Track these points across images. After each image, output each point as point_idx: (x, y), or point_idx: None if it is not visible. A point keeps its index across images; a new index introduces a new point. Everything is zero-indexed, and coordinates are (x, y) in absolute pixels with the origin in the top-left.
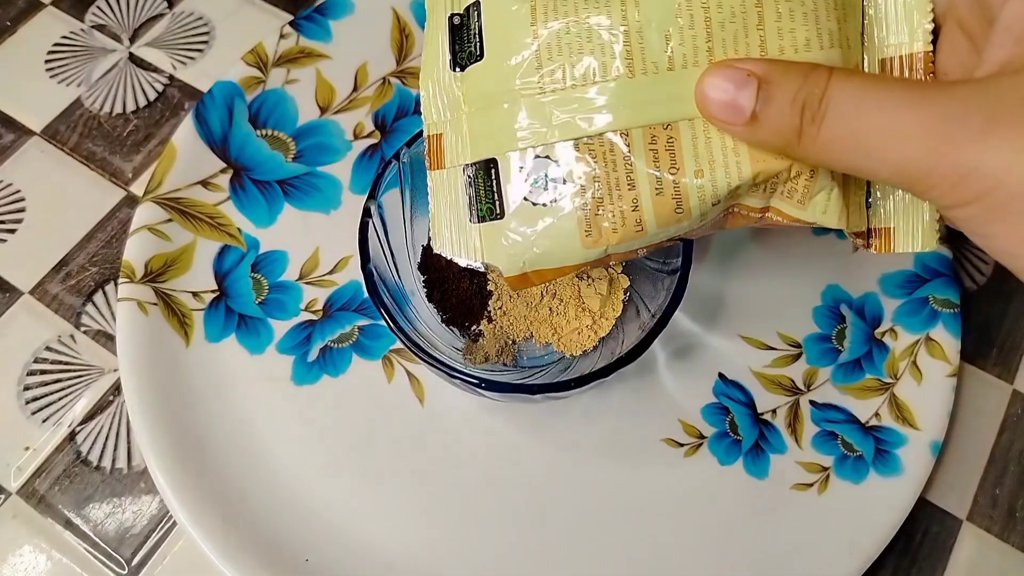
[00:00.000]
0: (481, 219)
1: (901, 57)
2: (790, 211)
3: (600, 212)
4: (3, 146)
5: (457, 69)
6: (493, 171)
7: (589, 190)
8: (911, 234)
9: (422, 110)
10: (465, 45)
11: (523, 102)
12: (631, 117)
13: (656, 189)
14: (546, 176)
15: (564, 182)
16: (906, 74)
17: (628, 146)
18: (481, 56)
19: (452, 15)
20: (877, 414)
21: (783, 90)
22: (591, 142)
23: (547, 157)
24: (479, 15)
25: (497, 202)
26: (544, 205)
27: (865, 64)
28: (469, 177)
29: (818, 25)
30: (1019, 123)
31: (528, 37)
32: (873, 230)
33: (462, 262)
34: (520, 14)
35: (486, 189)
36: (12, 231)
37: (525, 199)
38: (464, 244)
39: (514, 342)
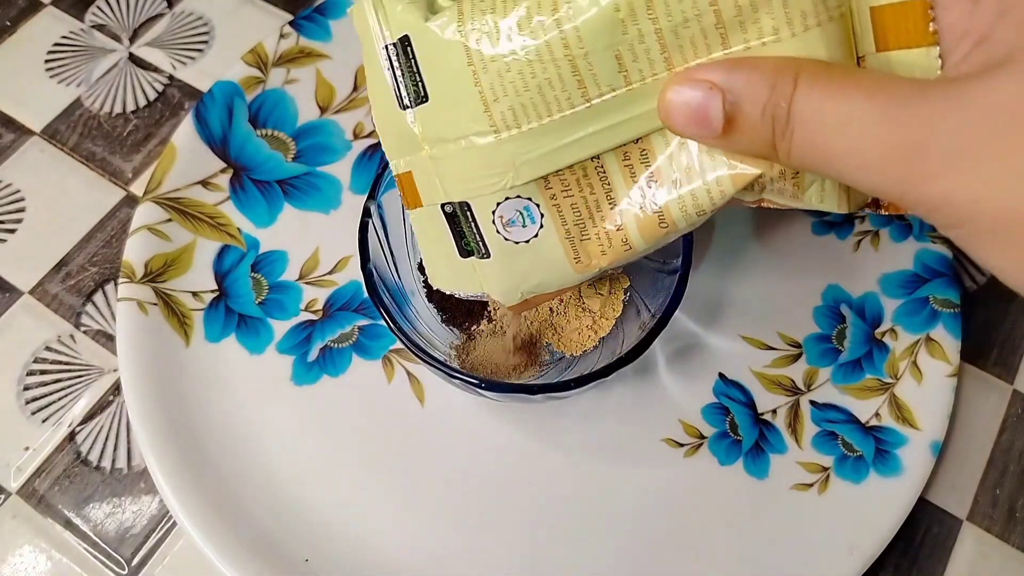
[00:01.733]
0: (469, 254)
1: (894, 5)
2: (785, 202)
3: (585, 238)
4: (3, 146)
5: (407, 109)
6: (469, 213)
7: (569, 219)
8: None
9: (383, 148)
10: (408, 83)
11: (480, 146)
12: (597, 144)
13: (638, 206)
14: (521, 215)
15: (542, 215)
16: (900, 26)
17: (601, 167)
18: (426, 97)
19: (387, 46)
20: (877, 414)
21: (750, 101)
22: (561, 172)
23: (518, 197)
24: (413, 51)
25: (481, 243)
26: (526, 242)
27: (856, 22)
28: (448, 216)
29: (786, 8)
30: (985, 150)
31: (468, 77)
32: None
33: (462, 295)
34: (453, 53)
35: (468, 228)
36: (12, 231)
37: (506, 240)
38: (460, 279)
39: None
